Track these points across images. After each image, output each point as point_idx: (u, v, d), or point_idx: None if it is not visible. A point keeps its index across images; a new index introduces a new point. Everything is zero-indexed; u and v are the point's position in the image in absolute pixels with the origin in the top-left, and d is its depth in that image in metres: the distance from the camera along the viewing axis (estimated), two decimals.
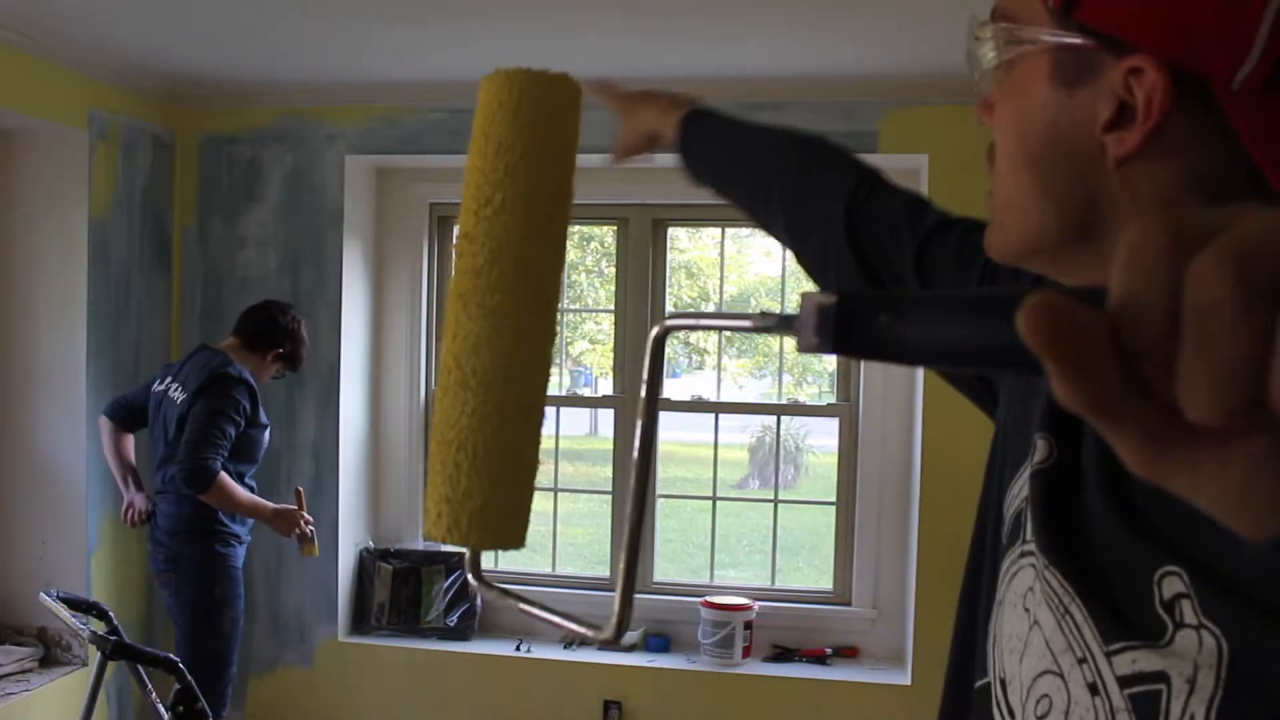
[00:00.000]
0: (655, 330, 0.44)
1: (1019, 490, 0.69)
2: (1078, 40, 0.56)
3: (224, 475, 2.91)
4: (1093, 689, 0.56)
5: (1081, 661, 0.57)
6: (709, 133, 1.28)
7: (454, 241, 0.52)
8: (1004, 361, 0.33)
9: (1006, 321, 0.31)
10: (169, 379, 3.08)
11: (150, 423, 3.11)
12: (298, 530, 3.09)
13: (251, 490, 3.11)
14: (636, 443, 0.45)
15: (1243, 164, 0.54)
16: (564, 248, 0.52)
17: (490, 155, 0.50)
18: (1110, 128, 0.56)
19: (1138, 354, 0.29)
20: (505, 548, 0.52)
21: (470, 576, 0.53)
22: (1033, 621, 0.62)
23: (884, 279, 0.96)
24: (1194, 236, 0.28)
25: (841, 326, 0.36)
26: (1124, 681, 0.53)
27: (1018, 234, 0.63)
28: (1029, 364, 0.30)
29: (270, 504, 3.07)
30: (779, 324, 0.40)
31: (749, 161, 1.20)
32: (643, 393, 0.44)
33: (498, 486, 0.50)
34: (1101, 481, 0.60)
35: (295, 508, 3.11)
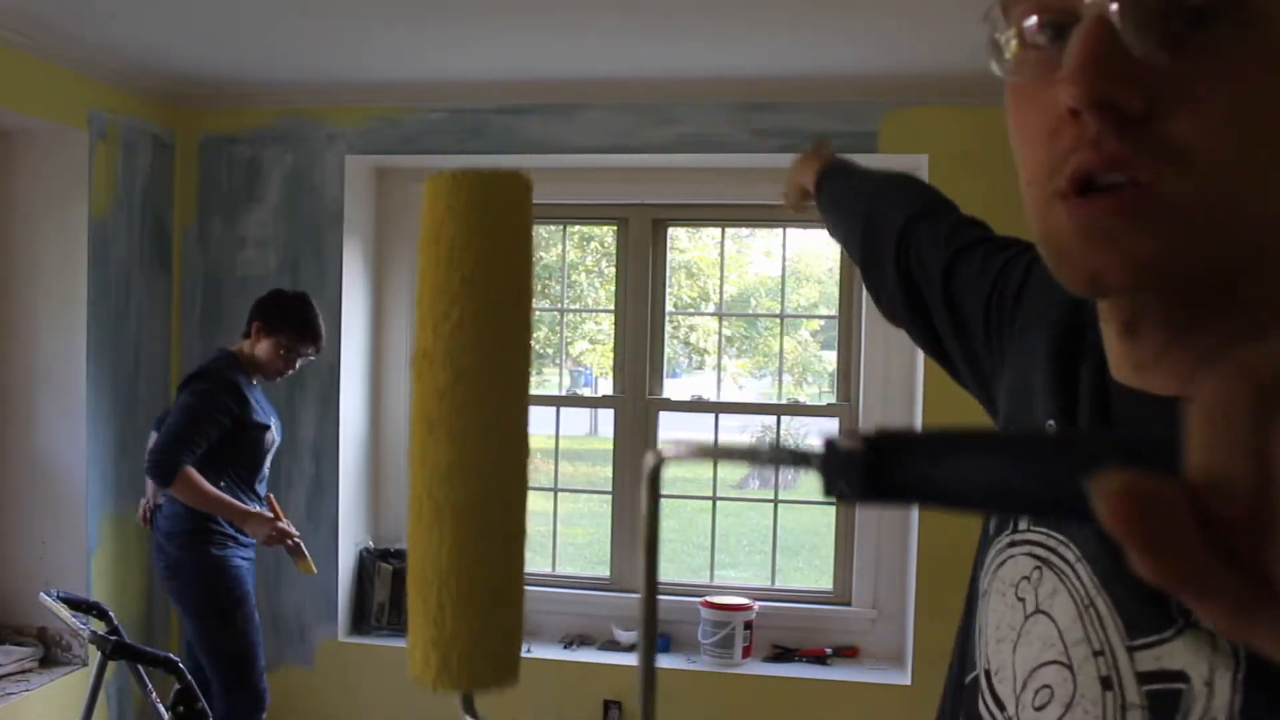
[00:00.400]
0: (650, 460, 0.40)
1: None
2: None
3: (189, 470, 2.86)
4: (1106, 683, 0.54)
5: (1098, 654, 0.55)
6: (832, 187, 1.31)
7: (411, 358, 0.48)
8: (1056, 513, 0.31)
9: (1058, 471, 0.30)
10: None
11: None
12: (285, 544, 3.04)
13: (259, 498, 3.09)
14: (643, 582, 0.41)
15: None
16: (529, 353, 0.48)
17: (444, 264, 0.47)
18: None
19: (1225, 525, 0.27)
20: (500, 686, 0.48)
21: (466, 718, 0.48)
22: (1031, 610, 0.60)
23: (926, 303, 0.92)
24: None
25: (869, 475, 0.34)
26: (1144, 678, 0.52)
27: (1221, 244, 0.49)
28: (1086, 517, 0.29)
29: (243, 506, 2.99)
30: (792, 460, 0.36)
31: (849, 209, 1.20)
32: (642, 529, 0.41)
33: (486, 622, 0.47)
34: None
35: (270, 514, 3.04)
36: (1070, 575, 0.58)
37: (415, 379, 0.47)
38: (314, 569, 3.14)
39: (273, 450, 3.16)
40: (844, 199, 1.22)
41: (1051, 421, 0.64)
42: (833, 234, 1.25)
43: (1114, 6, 0.47)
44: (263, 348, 3.05)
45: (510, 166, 0.47)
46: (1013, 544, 0.64)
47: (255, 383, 3.10)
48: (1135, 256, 0.49)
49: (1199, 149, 0.47)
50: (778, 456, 0.37)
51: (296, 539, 3.08)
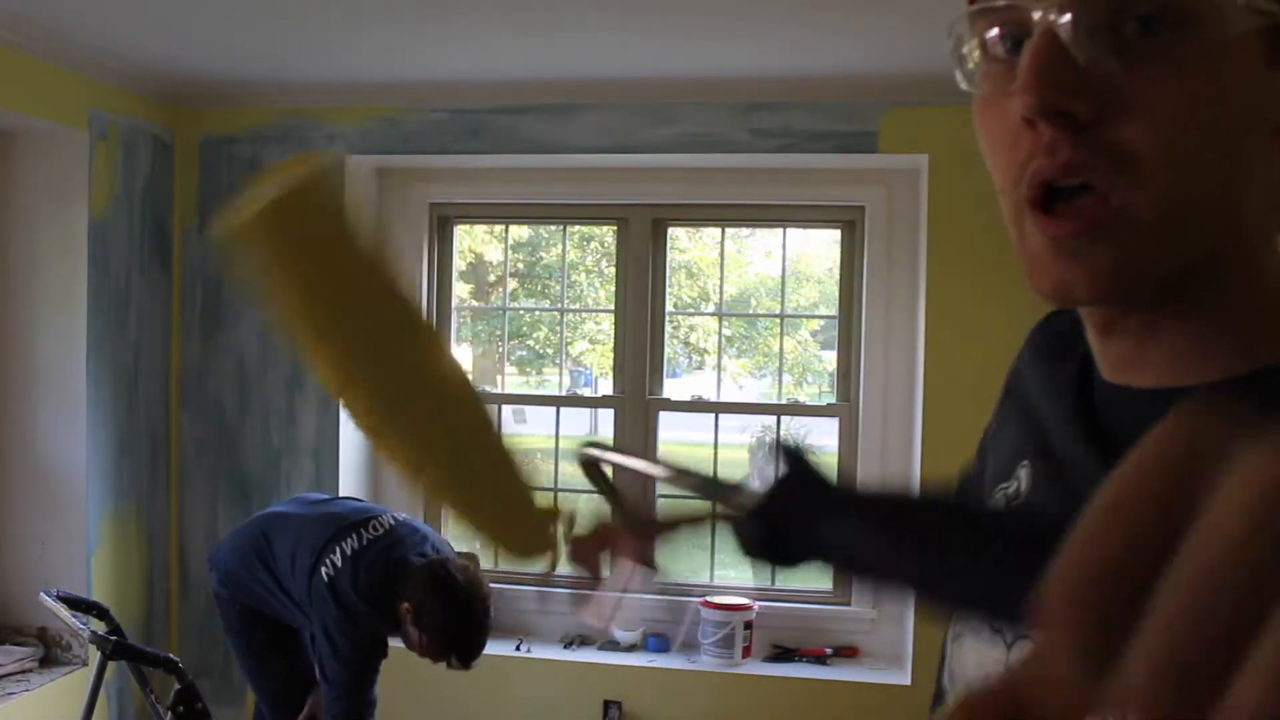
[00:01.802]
0: (579, 457, 0.47)
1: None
2: None
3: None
4: None
5: None
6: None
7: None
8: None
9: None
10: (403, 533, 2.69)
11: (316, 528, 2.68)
12: None
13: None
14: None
15: None
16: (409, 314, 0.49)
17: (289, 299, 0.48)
18: None
19: None
20: None
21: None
22: (1014, 638, 0.60)
23: None
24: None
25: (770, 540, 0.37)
26: None
27: (1182, 246, 0.52)
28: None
29: None
30: (710, 493, 0.40)
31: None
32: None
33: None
34: None
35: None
36: None
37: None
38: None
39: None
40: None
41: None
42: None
43: (1064, 19, 0.49)
44: (406, 630, 2.59)
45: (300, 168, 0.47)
46: None
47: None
48: (1098, 271, 0.52)
49: (1148, 152, 0.49)
50: (706, 488, 0.40)
51: None
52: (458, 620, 2.55)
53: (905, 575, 0.66)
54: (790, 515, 0.35)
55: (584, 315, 11.63)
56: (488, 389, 4.88)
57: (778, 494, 0.39)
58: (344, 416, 3.60)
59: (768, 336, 11.63)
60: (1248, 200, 0.52)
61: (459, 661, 2.61)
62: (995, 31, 0.54)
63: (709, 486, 0.38)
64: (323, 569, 2.57)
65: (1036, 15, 0.50)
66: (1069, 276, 0.52)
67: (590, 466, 0.43)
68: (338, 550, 2.59)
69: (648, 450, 3.73)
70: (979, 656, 0.63)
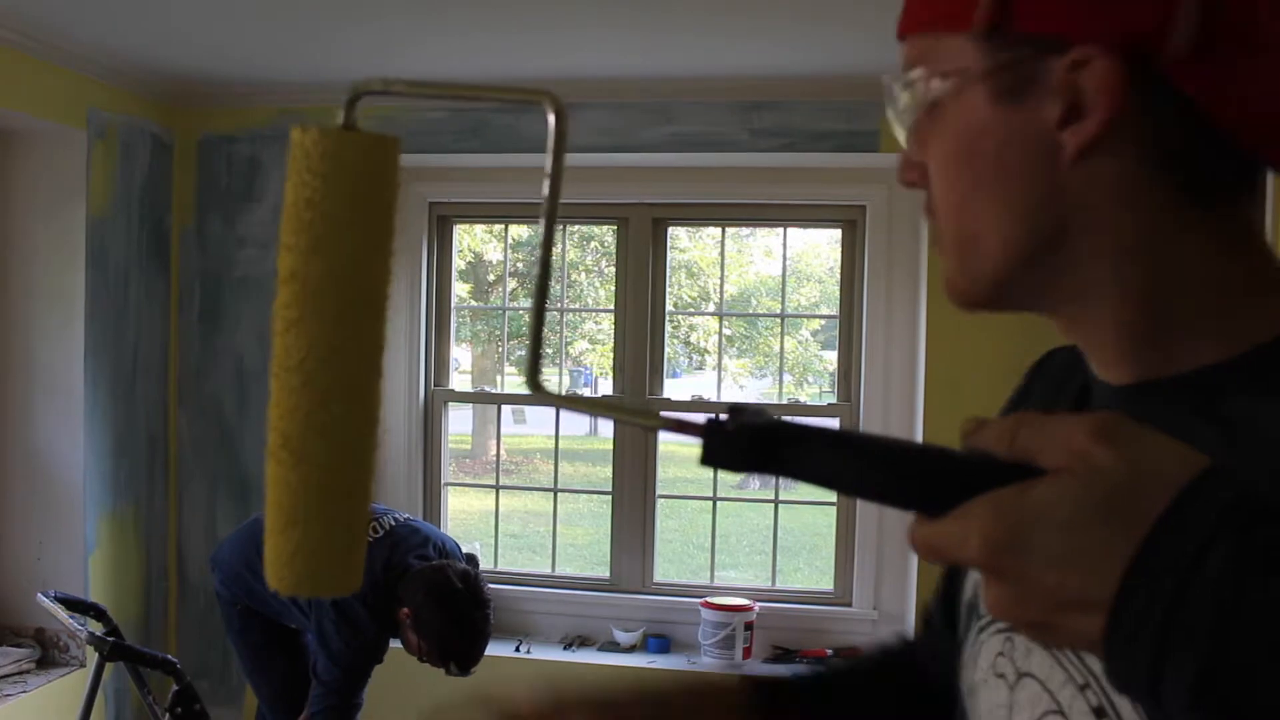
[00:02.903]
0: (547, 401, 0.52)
1: (975, 578, 0.70)
2: (1012, 55, 0.57)
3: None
4: (1099, 712, 0.57)
5: (1084, 688, 0.58)
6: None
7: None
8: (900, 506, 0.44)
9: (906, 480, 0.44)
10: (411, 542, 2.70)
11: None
12: None
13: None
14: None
15: (1209, 136, 0.56)
16: (379, 311, 0.51)
17: (298, 209, 0.51)
18: (1063, 125, 0.57)
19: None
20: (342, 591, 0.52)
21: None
22: (1016, 678, 0.63)
23: None
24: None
25: (748, 452, 0.44)
26: None
27: (988, 264, 0.62)
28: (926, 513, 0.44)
29: None
30: (676, 429, 0.45)
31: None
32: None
33: (328, 535, 0.50)
34: None
35: None
36: None
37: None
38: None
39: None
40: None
41: None
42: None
43: (896, 125, 0.66)
44: (406, 635, 2.62)
45: (381, 132, 0.51)
46: (982, 630, 0.69)
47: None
48: (953, 289, 0.65)
49: (940, 203, 0.64)
50: (664, 424, 0.46)
51: None
52: (456, 629, 2.54)
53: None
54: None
55: (584, 315, 11.64)
56: (487, 389, 4.87)
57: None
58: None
59: (768, 336, 11.63)
60: (1056, 210, 0.59)
61: (458, 669, 2.61)
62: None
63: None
64: None
65: (890, 114, 0.66)
66: (944, 282, 0.66)
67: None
68: None
69: (648, 448, 3.73)
70: (989, 705, 0.67)
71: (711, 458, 0.44)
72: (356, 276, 0.50)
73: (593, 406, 0.53)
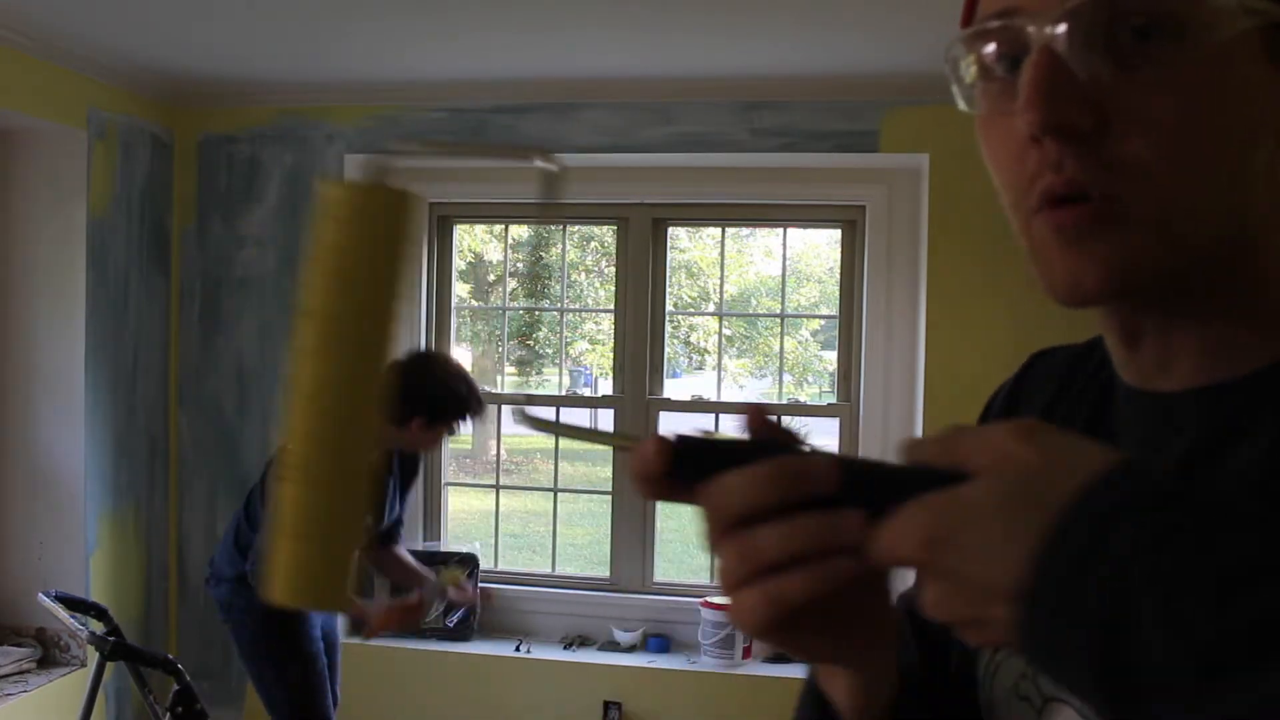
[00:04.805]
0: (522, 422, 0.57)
1: None
2: None
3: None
4: None
5: None
6: None
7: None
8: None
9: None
10: None
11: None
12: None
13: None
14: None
15: None
16: (386, 338, 0.56)
17: (326, 254, 0.55)
18: None
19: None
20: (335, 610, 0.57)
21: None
22: (1043, 702, 0.61)
23: None
24: None
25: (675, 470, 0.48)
26: None
27: (1199, 239, 0.53)
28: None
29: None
30: (617, 442, 0.50)
31: None
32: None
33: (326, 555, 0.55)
34: None
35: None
36: None
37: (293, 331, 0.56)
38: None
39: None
40: None
41: None
42: None
43: (1059, 31, 0.50)
44: (421, 437, 2.78)
45: (402, 186, 0.56)
46: (997, 649, 0.67)
47: None
48: (1104, 260, 0.52)
49: (1151, 160, 0.50)
50: (609, 439, 0.50)
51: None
52: (433, 380, 2.68)
53: None
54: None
55: (584, 315, 11.63)
56: (487, 389, 4.88)
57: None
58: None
59: (768, 336, 11.63)
60: (1256, 196, 0.53)
61: (470, 415, 2.72)
62: (991, 50, 0.55)
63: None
64: None
65: (1032, 31, 0.51)
66: (1078, 267, 0.53)
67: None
68: None
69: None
70: None
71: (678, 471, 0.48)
72: (371, 315, 0.55)
73: (581, 434, 0.57)
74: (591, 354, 11.36)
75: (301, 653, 2.89)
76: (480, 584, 3.66)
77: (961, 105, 0.58)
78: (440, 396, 2.71)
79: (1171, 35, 0.49)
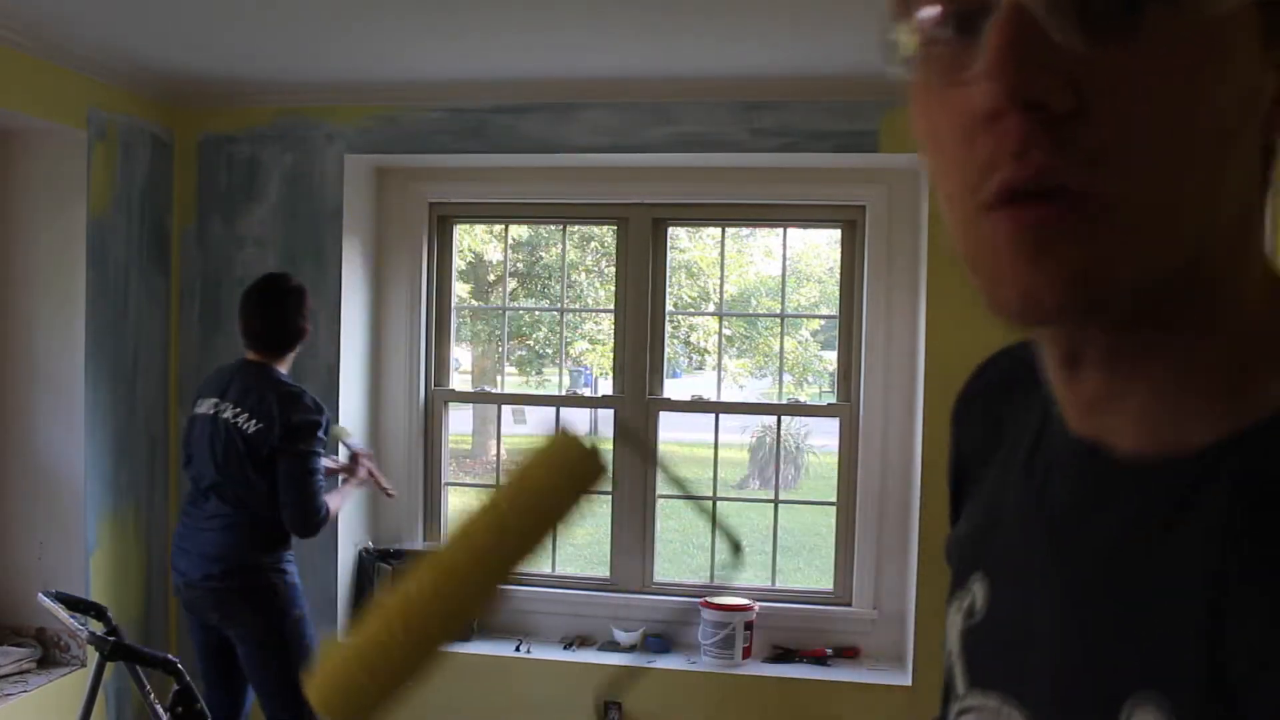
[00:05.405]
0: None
1: (953, 635, 0.62)
2: None
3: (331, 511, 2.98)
4: None
5: None
6: None
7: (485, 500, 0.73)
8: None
9: None
10: (223, 402, 2.93)
11: (193, 444, 2.97)
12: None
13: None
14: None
15: None
16: (515, 564, 0.72)
17: (524, 485, 0.73)
18: None
19: None
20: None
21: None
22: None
23: None
24: None
25: None
26: None
27: (1157, 252, 0.44)
28: None
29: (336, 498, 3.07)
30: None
31: None
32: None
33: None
34: (1060, 615, 0.52)
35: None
36: None
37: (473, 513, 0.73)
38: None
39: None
40: None
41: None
42: None
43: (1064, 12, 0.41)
44: (285, 365, 3.05)
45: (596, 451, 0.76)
46: (961, 713, 0.60)
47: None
48: (1071, 268, 0.43)
49: (1134, 150, 0.42)
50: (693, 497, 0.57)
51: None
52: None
53: None
54: None
55: (584, 315, 11.63)
56: (488, 389, 4.87)
57: None
58: (343, 416, 3.58)
59: (768, 336, 11.63)
60: (1228, 199, 0.45)
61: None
62: (936, 10, 0.45)
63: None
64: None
65: None
66: (1034, 281, 0.44)
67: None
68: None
69: (649, 452, 3.72)
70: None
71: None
72: (530, 546, 0.70)
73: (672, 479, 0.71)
74: (591, 354, 11.36)
75: (311, 648, 2.93)
76: None
77: (890, 70, 0.48)
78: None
79: (1164, 2, 0.41)
